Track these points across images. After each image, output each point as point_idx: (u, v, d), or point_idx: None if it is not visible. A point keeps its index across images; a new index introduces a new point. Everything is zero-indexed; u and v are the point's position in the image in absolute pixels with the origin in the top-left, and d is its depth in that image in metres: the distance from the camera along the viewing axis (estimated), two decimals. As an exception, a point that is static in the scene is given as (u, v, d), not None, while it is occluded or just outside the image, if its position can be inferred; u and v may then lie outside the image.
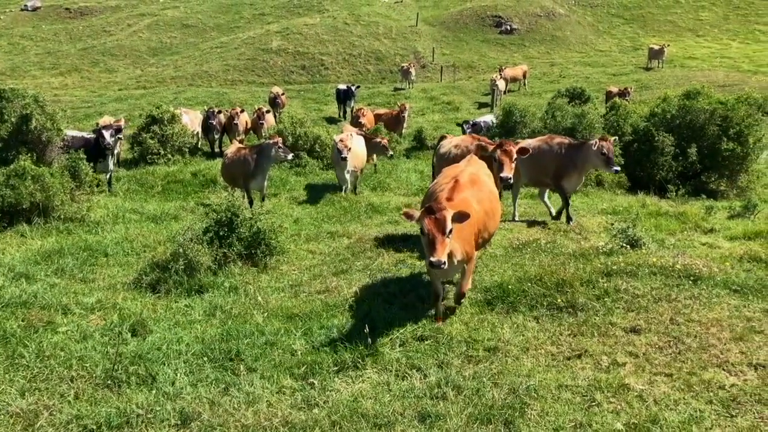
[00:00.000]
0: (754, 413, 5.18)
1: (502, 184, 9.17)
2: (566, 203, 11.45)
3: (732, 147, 16.00)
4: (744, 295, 7.35)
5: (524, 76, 34.25)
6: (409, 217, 6.46)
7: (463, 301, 7.40)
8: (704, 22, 47.54)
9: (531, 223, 11.40)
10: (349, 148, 14.04)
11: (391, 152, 17.73)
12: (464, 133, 19.52)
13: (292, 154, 13.76)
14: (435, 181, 8.55)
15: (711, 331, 6.51)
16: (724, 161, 16.28)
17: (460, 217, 6.33)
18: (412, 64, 35.72)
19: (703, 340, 6.35)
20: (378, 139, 17.14)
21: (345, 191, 14.81)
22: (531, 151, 10.46)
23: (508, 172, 9.03)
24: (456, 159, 9.95)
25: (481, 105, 30.31)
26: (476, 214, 7.02)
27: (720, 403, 5.35)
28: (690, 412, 5.21)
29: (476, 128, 19.94)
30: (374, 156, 17.36)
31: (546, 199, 12.40)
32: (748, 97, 18.48)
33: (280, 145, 13.32)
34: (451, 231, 6.25)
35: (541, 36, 44.77)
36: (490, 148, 9.35)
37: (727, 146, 15.97)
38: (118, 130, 15.65)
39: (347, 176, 14.64)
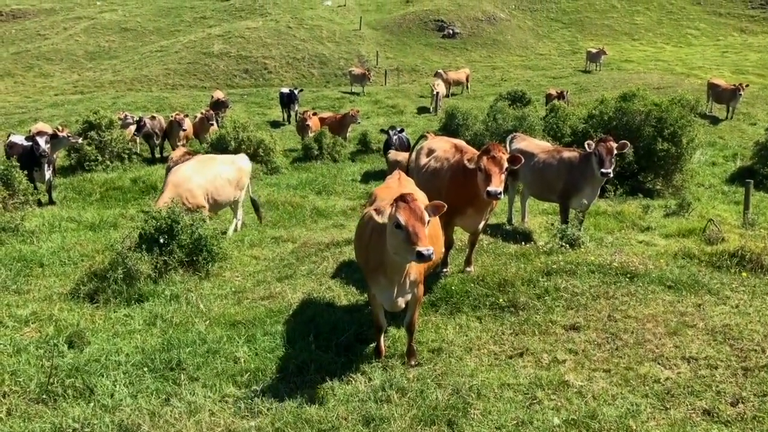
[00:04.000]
0: (687, 405, 5.35)
1: (488, 198, 7.24)
2: (565, 220, 10.52)
3: (667, 147, 16.47)
4: (678, 290, 7.59)
5: (467, 80, 34.63)
6: (379, 213, 5.48)
7: (415, 331, 6.46)
8: (639, 26, 49.07)
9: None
10: None
11: None
12: (390, 141, 18.29)
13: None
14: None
15: (647, 327, 6.70)
16: (659, 161, 16.73)
17: (435, 208, 5.54)
18: (368, 69, 35.47)
19: (639, 336, 6.53)
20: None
21: None
22: (536, 161, 10.02)
23: (496, 185, 7.10)
24: (436, 173, 8.54)
25: (424, 109, 30.52)
26: None
27: (655, 397, 5.50)
28: (627, 406, 5.34)
29: (401, 137, 18.55)
30: None
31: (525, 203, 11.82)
32: (681, 99, 19.14)
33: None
34: (429, 222, 5.43)
35: (483, 40, 45.39)
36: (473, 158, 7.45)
37: (662, 147, 16.44)
38: (54, 137, 15.12)
39: None
